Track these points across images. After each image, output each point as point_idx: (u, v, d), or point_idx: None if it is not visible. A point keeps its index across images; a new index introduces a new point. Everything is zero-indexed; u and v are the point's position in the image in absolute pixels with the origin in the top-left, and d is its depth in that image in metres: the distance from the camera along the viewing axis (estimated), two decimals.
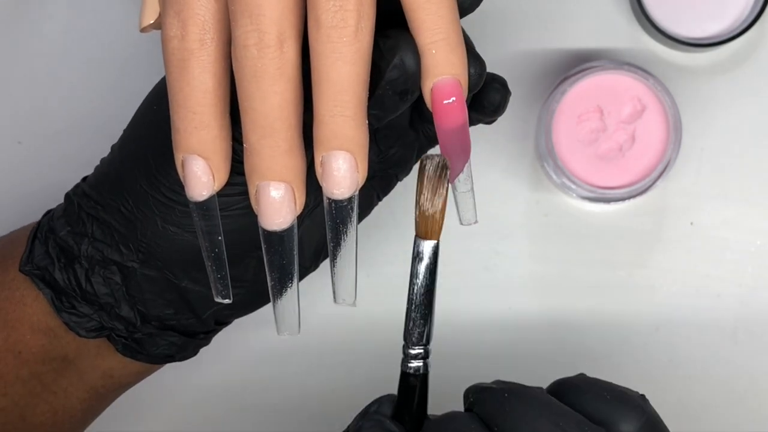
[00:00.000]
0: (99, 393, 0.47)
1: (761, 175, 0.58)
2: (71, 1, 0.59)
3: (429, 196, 0.38)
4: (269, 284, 0.41)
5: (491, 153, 0.59)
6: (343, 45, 0.36)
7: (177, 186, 0.42)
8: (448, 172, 0.39)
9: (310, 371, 0.59)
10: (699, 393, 0.59)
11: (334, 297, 0.42)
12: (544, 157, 0.56)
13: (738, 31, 0.55)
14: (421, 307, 0.40)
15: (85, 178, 0.47)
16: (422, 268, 0.40)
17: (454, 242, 0.59)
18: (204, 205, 0.40)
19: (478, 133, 0.59)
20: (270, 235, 0.39)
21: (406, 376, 0.41)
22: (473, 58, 0.40)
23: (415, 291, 0.40)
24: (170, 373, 0.52)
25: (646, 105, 0.55)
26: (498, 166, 0.59)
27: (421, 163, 0.39)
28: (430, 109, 0.39)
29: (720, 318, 0.58)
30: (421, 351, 0.41)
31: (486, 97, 0.43)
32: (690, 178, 0.58)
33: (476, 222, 0.42)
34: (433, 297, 0.40)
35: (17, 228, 0.49)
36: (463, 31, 0.39)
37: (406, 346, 0.40)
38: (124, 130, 0.46)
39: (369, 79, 0.38)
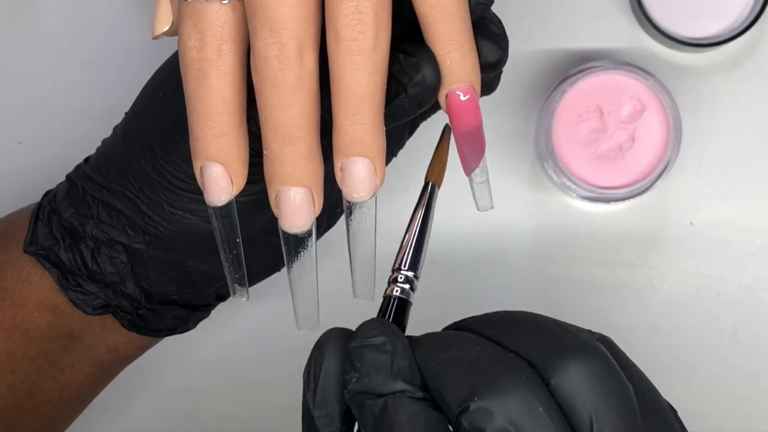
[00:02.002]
0: (105, 367, 0.49)
1: (761, 175, 0.58)
2: (71, 1, 0.59)
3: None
4: (289, 281, 0.42)
5: (491, 153, 0.58)
6: (363, 57, 0.37)
7: (183, 175, 0.43)
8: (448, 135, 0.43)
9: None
10: (699, 393, 0.59)
11: (354, 292, 0.44)
12: (544, 157, 0.56)
13: (738, 31, 0.55)
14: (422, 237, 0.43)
15: (87, 159, 0.48)
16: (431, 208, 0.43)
17: (454, 242, 0.59)
18: (223, 210, 0.41)
19: None
20: (290, 237, 0.41)
21: (396, 300, 0.41)
22: (498, 45, 0.41)
23: (420, 225, 0.43)
24: (170, 346, 0.53)
25: (646, 105, 0.55)
26: (498, 166, 0.59)
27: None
28: (446, 113, 0.40)
29: (720, 318, 0.58)
30: (412, 275, 0.42)
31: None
32: (690, 178, 0.58)
33: (492, 207, 0.45)
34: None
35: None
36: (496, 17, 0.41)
37: (399, 271, 0.41)
38: (127, 113, 0.47)
39: (386, 87, 0.39)
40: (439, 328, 0.59)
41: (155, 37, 0.42)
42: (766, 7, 0.55)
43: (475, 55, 0.40)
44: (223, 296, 0.49)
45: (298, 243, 0.41)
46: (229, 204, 0.41)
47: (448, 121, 0.43)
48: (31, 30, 0.60)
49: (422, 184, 0.60)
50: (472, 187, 0.43)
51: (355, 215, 0.41)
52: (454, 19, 0.38)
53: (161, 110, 0.44)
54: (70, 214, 0.46)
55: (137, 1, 0.59)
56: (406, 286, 0.41)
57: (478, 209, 0.44)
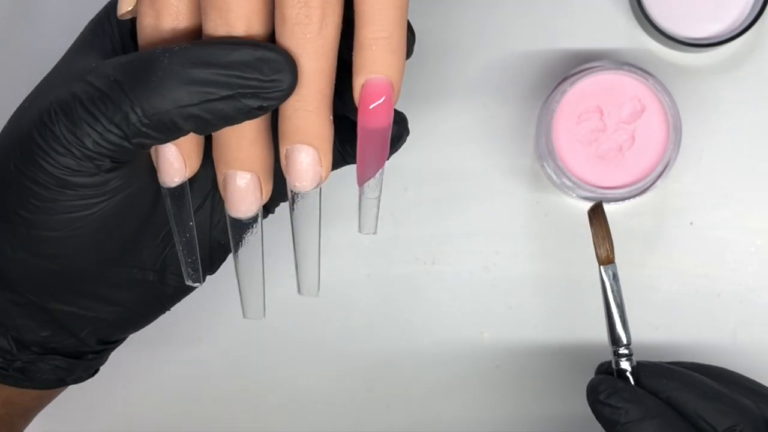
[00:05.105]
0: (5, 420, 0.46)
1: (761, 175, 0.58)
2: (71, 1, 0.59)
3: (601, 238, 0.50)
4: (235, 268, 0.42)
5: (491, 153, 0.59)
6: (307, 41, 0.37)
7: (18, 207, 0.40)
8: (604, 211, 0.51)
9: (308, 371, 0.59)
10: None
11: (299, 288, 0.43)
12: (544, 157, 0.56)
13: (738, 31, 0.55)
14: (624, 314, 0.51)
15: None
16: (616, 286, 0.51)
17: (454, 242, 0.59)
18: (175, 192, 0.41)
19: (479, 133, 0.59)
20: (236, 222, 0.40)
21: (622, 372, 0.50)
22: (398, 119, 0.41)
23: (615, 304, 0.51)
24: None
25: (646, 105, 0.55)
26: (498, 166, 0.59)
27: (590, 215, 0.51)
28: (356, 105, 0.38)
29: (720, 318, 0.58)
30: (628, 351, 0.50)
31: None
32: (690, 178, 0.58)
33: (375, 233, 0.42)
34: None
35: None
36: (410, 26, 0.39)
37: (618, 348, 0.51)
38: None
39: (334, 74, 0.38)
40: (439, 329, 0.59)
41: (120, 16, 0.41)
42: (766, 7, 0.55)
43: (402, 54, 0.38)
44: (106, 341, 0.46)
45: (243, 228, 0.40)
46: (181, 186, 0.40)
47: (591, 208, 0.50)
48: (31, 30, 0.60)
49: (422, 183, 0.60)
50: (360, 202, 0.41)
51: (299, 205, 0.40)
52: (390, 5, 0.37)
53: (5, 143, 0.41)
54: None
55: None
56: (623, 359, 0.50)
57: (360, 231, 0.42)
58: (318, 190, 0.39)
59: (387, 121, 0.38)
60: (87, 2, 0.59)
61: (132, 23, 0.43)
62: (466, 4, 0.58)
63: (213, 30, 0.37)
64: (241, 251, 0.41)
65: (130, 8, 0.41)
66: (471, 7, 0.58)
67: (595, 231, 0.51)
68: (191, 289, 0.45)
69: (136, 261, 0.43)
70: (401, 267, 0.59)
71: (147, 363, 0.59)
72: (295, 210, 0.40)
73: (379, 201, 0.41)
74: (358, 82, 0.38)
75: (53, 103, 0.38)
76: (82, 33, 0.43)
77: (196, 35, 0.39)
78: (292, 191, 0.39)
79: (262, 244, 0.41)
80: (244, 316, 0.43)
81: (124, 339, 0.47)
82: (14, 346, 0.43)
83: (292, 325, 0.59)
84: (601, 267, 0.51)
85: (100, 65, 0.38)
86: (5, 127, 0.42)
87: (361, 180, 0.40)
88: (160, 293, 0.44)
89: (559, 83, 0.55)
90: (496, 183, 0.59)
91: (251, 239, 0.41)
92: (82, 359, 0.45)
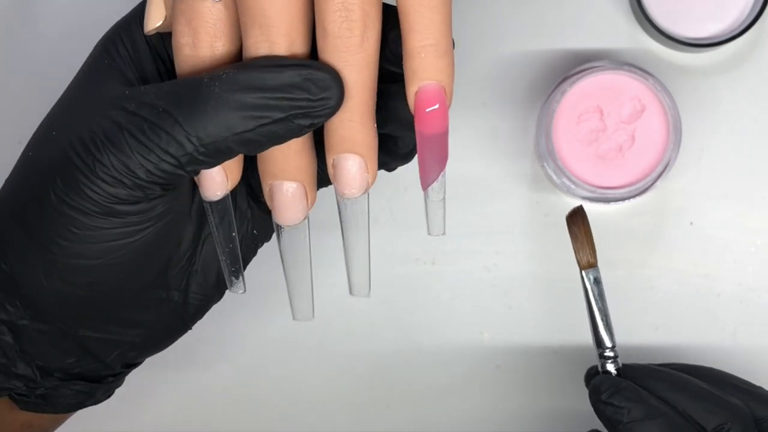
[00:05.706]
0: None
1: (761, 175, 0.58)
2: (71, 1, 0.59)
3: (580, 243, 0.50)
4: (284, 272, 0.43)
5: (491, 153, 0.59)
6: (349, 54, 0.37)
7: (56, 236, 0.40)
8: (585, 215, 0.51)
9: (308, 371, 0.59)
10: None
11: (350, 289, 0.44)
12: (544, 157, 0.56)
13: (738, 31, 0.55)
14: (606, 317, 0.51)
15: None
16: (598, 290, 0.51)
17: (454, 242, 0.59)
18: (218, 204, 0.41)
19: (479, 133, 0.59)
20: (283, 229, 0.41)
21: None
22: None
23: (597, 308, 0.51)
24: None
25: (646, 105, 0.55)
26: (498, 166, 0.59)
27: (567, 222, 0.51)
28: (412, 113, 0.39)
29: (720, 318, 0.58)
30: (613, 353, 0.50)
31: (402, 139, 0.43)
32: (690, 178, 0.58)
33: (444, 234, 0.42)
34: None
35: None
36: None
37: (603, 351, 0.51)
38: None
39: (376, 84, 0.38)
40: (439, 329, 0.59)
41: (148, 32, 0.41)
42: (766, 7, 0.55)
43: (451, 58, 0.38)
44: (130, 363, 0.46)
45: (290, 234, 0.41)
46: (224, 198, 0.41)
47: (571, 210, 0.50)
48: (31, 30, 0.60)
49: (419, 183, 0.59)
50: (426, 205, 0.42)
51: (348, 211, 0.41)
52: (435, 11, 0.37)
53: (30, 170, 0.41)
54: None
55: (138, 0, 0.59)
56: (608, 361, 0.50)
57: (429, 233, 0.42)
58: (366, 195, 0.40)
59: (444, 125, 0.39)
60: (87, 3, 0.60)
61: (148, 43, 0.42)
62: (466, 4, 0.58)
63: (254, 46, 0.37)
64: (290, 257, 0.42)
65: (158, 24, 0.41)
66: (471, 7, 0.58)
67: (574, 236, 0.51)
68: (210, 306, 0.46)
69: (163, 282, 0.44)
70: (401, 267, 0.59)
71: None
72: (345, 215, 0.41)
73: (444, 203, 0.41)
74: (411, 90, 0.38)
75: (96, 133, 0.38)
76: (94, 54, 0.43)
77: (235, 54, 0.39)
78: (341, 198, 0.40)
79: (310, 250, 0.42)
80: (294, 318, 0.44)
81: (143, 361, 0.47)
82: (38, 374, 0.44)
83: (292, 325, 0.59)
84: (582, 271, 0.51)
85: (138, 93, 0.38)
86: (31, 156, 0.41)
87: (425, 184, 0.40)
88: (183, 312, 0.45)
89: (559, 83, 0.55)
90: (496, 183, 0.59)
91: (299, 245, 0.42)
92: (102, 383, 0.46)
